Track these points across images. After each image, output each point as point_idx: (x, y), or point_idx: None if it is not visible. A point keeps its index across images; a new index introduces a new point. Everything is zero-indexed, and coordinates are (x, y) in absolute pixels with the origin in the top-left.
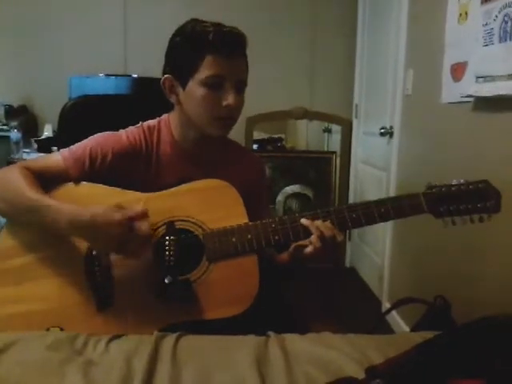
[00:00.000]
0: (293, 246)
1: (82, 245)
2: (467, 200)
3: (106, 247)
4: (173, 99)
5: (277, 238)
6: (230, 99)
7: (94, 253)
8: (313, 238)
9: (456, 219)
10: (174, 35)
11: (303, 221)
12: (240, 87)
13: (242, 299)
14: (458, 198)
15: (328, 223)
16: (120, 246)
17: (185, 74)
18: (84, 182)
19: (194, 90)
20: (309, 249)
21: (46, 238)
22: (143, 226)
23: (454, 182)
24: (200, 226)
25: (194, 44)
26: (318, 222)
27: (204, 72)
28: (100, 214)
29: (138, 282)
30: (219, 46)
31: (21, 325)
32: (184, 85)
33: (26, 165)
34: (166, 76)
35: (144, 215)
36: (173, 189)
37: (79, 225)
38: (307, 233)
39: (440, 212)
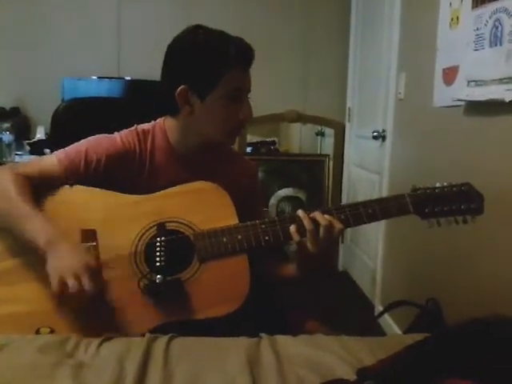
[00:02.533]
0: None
1: None
2: (451, 201)
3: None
4: (185, 109)
5: (267, 238)
6: (247, 112)
7: None
8: (308, 227)
9: (441, 220)
10: (183, 46)
11: (299, 212)
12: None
13: (232, 298)
14: (442, 199)
15: (324, 215)
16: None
17: (205, 87)
18: (78, 186)
19: (214, 103)
20: (308, 243)
21: None
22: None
23: (438, 184)
24: (190, 227)
25: (216, 59)
26: (314, 213)
27: (225, 86)
28: (76, 252)
29: (129, 282)
30: (240, 61)
31: (11, 325)
32: (203, 97)
33: (18, 168)
34: (182, 87)
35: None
36: (164, 191)
37: (54, 249)
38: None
39: (425, 213)
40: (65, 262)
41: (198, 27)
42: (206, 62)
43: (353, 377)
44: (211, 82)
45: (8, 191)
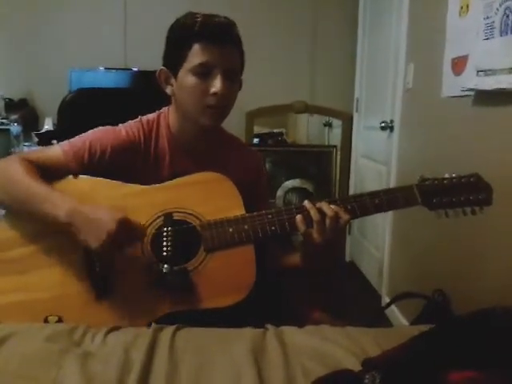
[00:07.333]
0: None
1: None
2: (459, 192)
3: (96, 241)
4: (168, 91)
5: (273, 228)
6: (217, 86)
7: None
8: (315, 218)
9: (449, 211)
10: (170, 29)
11: (306, 203)
12: (230, 76)
13: (239, 289)
14: (450, 190)
15: (331, 205)
16: (110, 244)
17: (175, 63)
18: (83, 176)
19: (184, 78)
20: (314, 233)
21: (44, 229)
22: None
23: (447, 175)
24: (197, 218)
25: (182, 34)
26: (320, 203)
27: (192, 60)
28: (102, 208)
29: (136, 271)
30: (206, 34)
31: (20, 313)
32: (175, 75)
33: (25, 156)
34: (160, 68)
35: (142, 231)
36: (171, 181)
37: (78, 213)
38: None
39: (433, 204)
40: (97, 226)
41: (188, 13)
42: (174, 40)
43: (358, 368)
44: (179, 58)
45: (18, 174)
